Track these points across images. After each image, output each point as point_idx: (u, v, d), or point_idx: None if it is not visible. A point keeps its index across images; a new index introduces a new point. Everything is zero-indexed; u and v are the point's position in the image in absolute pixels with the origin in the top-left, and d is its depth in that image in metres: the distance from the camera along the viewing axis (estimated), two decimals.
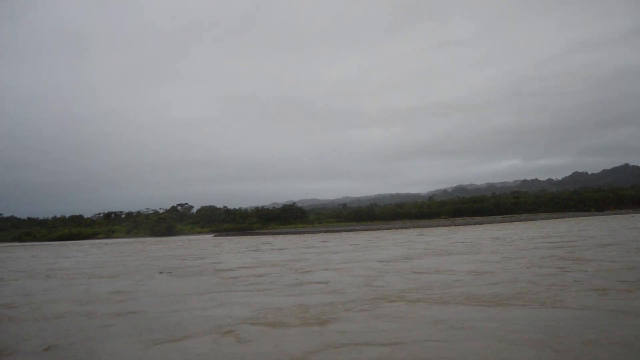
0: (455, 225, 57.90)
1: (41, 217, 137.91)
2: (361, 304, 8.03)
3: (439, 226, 58.83)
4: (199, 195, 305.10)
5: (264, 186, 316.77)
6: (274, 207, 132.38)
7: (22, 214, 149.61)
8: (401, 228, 59.39)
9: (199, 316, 7.64)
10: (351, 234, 51.73)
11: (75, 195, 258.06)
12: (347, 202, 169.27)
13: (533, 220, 63.31)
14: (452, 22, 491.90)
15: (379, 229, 59.85)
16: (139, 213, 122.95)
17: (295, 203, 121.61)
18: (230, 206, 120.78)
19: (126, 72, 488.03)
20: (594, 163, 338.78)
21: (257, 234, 74.69)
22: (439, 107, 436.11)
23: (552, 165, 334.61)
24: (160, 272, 14.63)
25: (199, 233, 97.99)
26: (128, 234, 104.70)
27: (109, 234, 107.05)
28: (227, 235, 75.83)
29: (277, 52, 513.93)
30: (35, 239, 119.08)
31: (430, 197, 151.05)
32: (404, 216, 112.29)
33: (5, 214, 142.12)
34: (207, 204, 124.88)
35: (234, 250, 27.82)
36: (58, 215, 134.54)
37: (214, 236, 75.15)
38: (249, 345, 5.73)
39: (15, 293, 11.67)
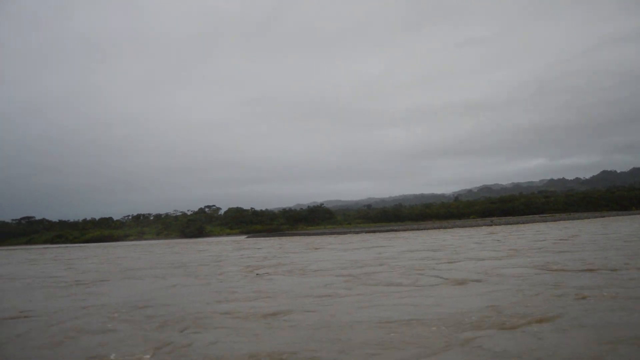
0: (495, 225, 56.96)
1: (72, 220, 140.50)
2: None
3: (479, 226, 57.97)
4: (224, 196, 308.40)
5: (288, 187, 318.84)
6: (298, 208, 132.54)
7: (53, 216, 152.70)
8: (441, 228, 58.68)
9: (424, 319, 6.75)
10: (391, 234, 51.29)
11: (103, 198, 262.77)
12: (371, 202, 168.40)
13: (577, 219, 61.93)
14: (473, 20, 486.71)
15: (419, 229, 59.22)
16: (167, 215, 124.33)
17: (323, 204, 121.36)
18: (255, 207, 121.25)
19: (150, 77, 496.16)
20: (623, 161, 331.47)
21: (289, 234, 74.66)
22: (462, 106, 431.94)
23: (579, 163, 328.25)
24: (257, 274, 14.48)
25: (229, 234, 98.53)
26: (158, 235, 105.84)
27: (140, 236, 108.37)
28: (259, 236, 75.96)
29: (299, 53, 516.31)
30: (67, 241, 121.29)
31: (456, 198, 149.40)
32: (431, 216, 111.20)
33: (38, 217, 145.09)
34: (232, 205, 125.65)
35: (295, 250, 27.67)
36: (88, 218, 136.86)
37: (247, 237, 75.35)
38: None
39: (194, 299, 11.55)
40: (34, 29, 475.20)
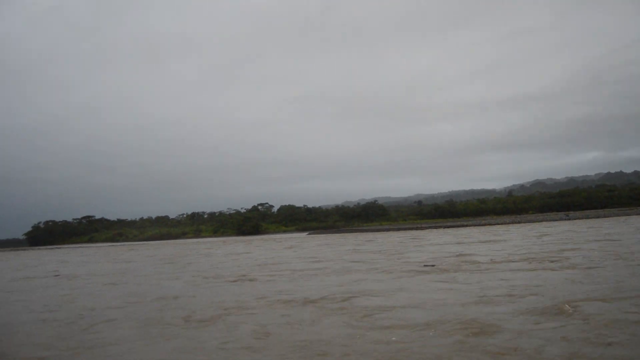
0: (571, 219, 55.00)
1: (129, 219, 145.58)
2: None
3: (554, 220, 56.15)
4: (274, 194, 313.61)
5: (336, 185, 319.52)
6: (347, 206, 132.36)
7: (108, 215, 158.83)
8: (514, 223, 57.16)
9: None
10: (463, 229, 50.39)
11: (154, 197, 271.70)
12: (420, 199, 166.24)
13: None
14: (523, 10, 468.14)
15: (489, 224, 57.95)
16: (220, 213, 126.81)
17: (377, 200, 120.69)
18: (305, 205, 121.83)
19: (200, 77, 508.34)
20: None
21: (352, 231, 74.58)
22: (512, 99, 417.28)
23: (638, 156, 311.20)
24: (425, 265, 14.38)
25: (285, 232, 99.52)
26: (215, 233, 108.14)
27: (197, 234, 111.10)
28: (320, 233, 76.25)
29: (345, 49, 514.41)
30: (127, 239, 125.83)
31: (510, 193, 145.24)
32: (487, 212, 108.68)
33: (97, 216, 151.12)
34: (282, 202, 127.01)
35: (417, 243, 27.50)
36: (144, 216, 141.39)
37: (308, 234, 75.72)
38: None
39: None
40: (89, 34, 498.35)
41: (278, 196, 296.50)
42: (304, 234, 77.70)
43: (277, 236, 78.31)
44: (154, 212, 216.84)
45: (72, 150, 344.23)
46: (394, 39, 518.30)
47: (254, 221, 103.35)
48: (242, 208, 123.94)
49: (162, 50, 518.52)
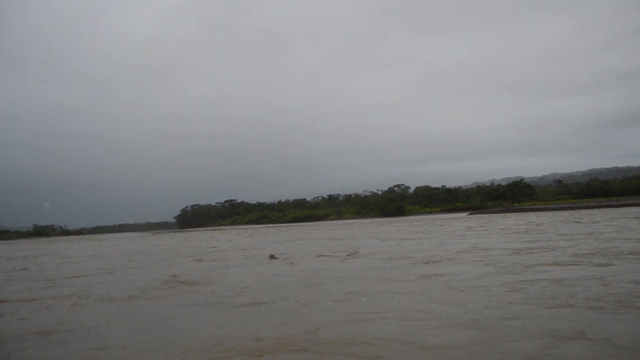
0: None
1: (267, 202, 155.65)
2: None
3: None
4: (402, 176, 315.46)
5: (464, 165, 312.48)
6: (474, 187, 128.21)
7: (250, 199, 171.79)
8: None
9: None
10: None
11: (286, 181, 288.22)
12: (557, 178, 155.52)
13: None
14: None
15: None
16: (356, 195, 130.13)
17: (523, 179, 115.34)
18: (443, 185, 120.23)
19: (325, 63, 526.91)
20: None
21: (516, 210, 72.21)
22: None
23: None
24: None
25: (430, 212, 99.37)
26: (357, 215, 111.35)
27: (339, 215, 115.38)
28: (480, 213, 74.85)
29: (472, 25, 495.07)
30: (270, 221, 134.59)
31: None
32: None
33: (238, 200, 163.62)
34: (411, 184, 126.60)
35: None
36: (282, 200, 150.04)
37: (469, 214, 74.69)
38: None
39: None
40: (221, 28, 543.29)
41: (406, 178, 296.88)
42: (458, 215, 76.66)
43: (430, 217, 77.88)
44: (288, 195, 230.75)
45: (205, 140, 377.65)
46: (522, 9, 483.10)
47: (397, 202, 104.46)
48: (377, 190, 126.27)
49: (288, 39, 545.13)
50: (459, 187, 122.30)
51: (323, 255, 10.29)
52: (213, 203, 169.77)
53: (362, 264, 8.98)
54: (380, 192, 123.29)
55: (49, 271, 11.40)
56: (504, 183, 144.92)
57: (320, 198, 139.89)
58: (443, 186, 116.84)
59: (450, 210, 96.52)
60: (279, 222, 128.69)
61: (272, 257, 9.83)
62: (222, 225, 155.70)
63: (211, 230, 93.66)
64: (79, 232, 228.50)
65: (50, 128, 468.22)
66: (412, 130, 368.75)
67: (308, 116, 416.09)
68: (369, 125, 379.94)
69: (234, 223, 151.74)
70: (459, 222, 30.90)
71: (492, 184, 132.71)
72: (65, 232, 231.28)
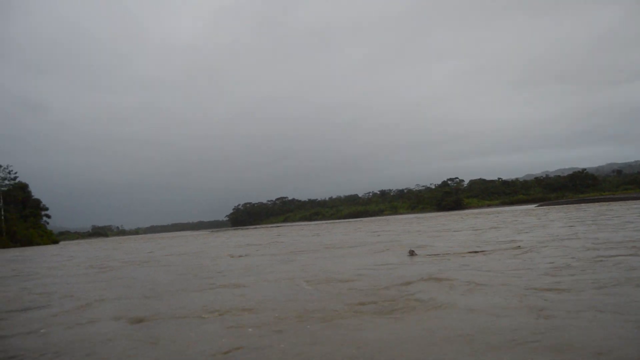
0: None
1: (318, 199, 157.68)
2: None
3: None
4: (454, 169, 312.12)
5: (514, 157, 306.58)
6: (529, 179, 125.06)
7: (300, 196, 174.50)
8: None
9: None
10: None
11: (338, 177, 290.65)
12: (614, 168, 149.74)
13: None
14: None
15: None
16: (409, 190, 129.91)
17: (585, 170, 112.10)
18: (499, 177, 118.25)
19: (369, 60, 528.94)
20: None
21: (590, 200, 70.49)
22: None
23: None
24: None
25: (489, 206, 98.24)
26: (413, 209, 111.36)
27: (394, 211, 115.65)
28: (552, 205, 73.45)
29: (518, 15, 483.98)
30: (324, 217, 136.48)
31: None
32: None
33: (289, 197, 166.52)
34: (463, 177, 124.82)
35: None
36: (334, 196, 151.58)
37: (538, 206, 73.46)
38: None
39: None
40: (266, 28, 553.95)
41: (457, 171, 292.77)
42: (522, 207, 75.31)
43: (495, 210, 76.66)
44: (338, 191, 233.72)
45: (254, 140, 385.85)
46: None
47: (455, 195, 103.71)
48: (430, 184, 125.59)
49: (333, 36, 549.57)
50: (516, 179, 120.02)
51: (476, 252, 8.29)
52: (264, 201, 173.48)
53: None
54: (433, 187, 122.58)
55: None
56: (559, 174, 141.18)
57: (371, 194, 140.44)
58: (499, 179, 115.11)
59: (512, 203, 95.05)
60: (332, 219, 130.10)
61: (412, 253, 7.84)
62: (275, 222, 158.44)
63: (276, 227, 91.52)
64: (135, 231, 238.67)
65: (105, 131, 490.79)
66: (461, 124, 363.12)
67: (354, 112, 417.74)
68: (418, 119, 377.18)
69: (286, 220, 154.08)
70: (546, 215, 25.87)
71: (547, 175, 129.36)
72: (122, 232, 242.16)
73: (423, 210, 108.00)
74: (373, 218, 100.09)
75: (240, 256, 12.18)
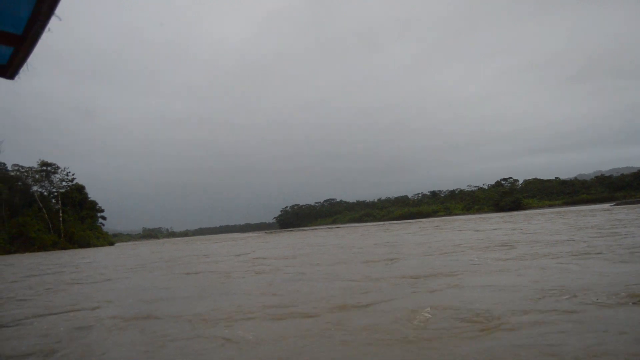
0: None
1: (367, 200, 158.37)
2: None
3: None
4: (503, 169, 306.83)
5: (566, 156, 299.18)
6: (581, 179, 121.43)
7: (347, 197, 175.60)
8: None
9: None
10: None
11: (385, 178, 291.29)
12: None
13: None
14: None
15: None
16: (461, 191, 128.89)
17: (619, 172, 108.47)
18: (556, 177, 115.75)
19: (416, 59, 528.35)
20: None
21: None
22: None
23: None
24: None
25: (550, 206, 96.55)
26: (468, 210, 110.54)
27: (448, 212, 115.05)
28: (630, 204, 71.36)
29: (571, 9, 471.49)
30: (375, 219, 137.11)
31: None
32: None
33: (338, 199, 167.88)
34: (516, 177, 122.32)
35: None
36: (383, 197, 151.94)
37: (613, 205, 71.50)
38: None
39: None
40: (312, 30, 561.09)
41: (509, 171, 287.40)
42: (590, 207, 73.45)
43: (562, 210, 75.07)
44: (386, 193, 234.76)
45: (300, 143, 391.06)
46: None
47: (513, 196, 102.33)
48: (483, 184, 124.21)
49: (380, 37, 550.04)
50: (575, 178, 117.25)
51: None
52: (312, 203, 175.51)
53: None
54: (486, 187, 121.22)
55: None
56: (613, 174, 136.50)
57: (421, 195, 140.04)
58: (557, 178, 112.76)
59: (574, 203, 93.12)
60: (383, 220, 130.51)
61: None
62: (323, 224, 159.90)
63: (328, 228, 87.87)
64: (184, 233, 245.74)
65: (155, 136, 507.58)
66: (511, 122, 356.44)
67: (401, 114, 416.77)
68: (466, 119, 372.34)
69: (335, 222, 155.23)
70: None
71: (602, 174, 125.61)
72: (172, 234, 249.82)
73: (479, 211, 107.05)
74: (431, 219, 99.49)
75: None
